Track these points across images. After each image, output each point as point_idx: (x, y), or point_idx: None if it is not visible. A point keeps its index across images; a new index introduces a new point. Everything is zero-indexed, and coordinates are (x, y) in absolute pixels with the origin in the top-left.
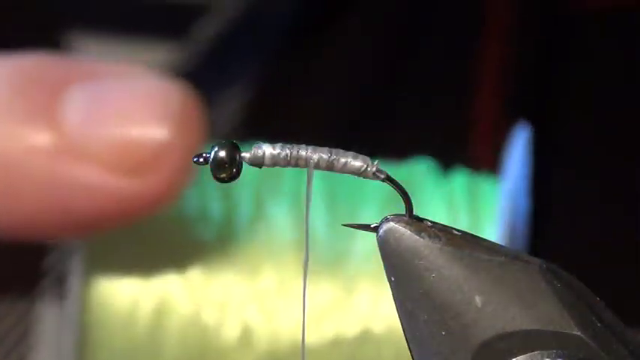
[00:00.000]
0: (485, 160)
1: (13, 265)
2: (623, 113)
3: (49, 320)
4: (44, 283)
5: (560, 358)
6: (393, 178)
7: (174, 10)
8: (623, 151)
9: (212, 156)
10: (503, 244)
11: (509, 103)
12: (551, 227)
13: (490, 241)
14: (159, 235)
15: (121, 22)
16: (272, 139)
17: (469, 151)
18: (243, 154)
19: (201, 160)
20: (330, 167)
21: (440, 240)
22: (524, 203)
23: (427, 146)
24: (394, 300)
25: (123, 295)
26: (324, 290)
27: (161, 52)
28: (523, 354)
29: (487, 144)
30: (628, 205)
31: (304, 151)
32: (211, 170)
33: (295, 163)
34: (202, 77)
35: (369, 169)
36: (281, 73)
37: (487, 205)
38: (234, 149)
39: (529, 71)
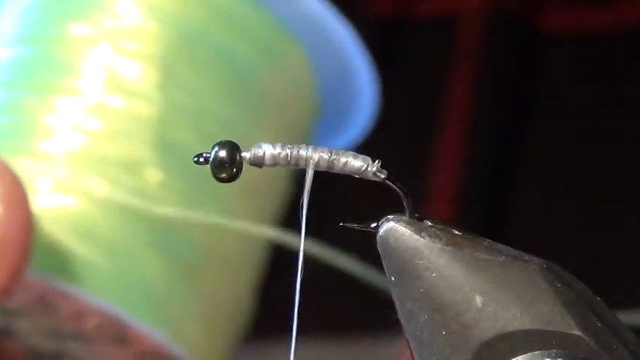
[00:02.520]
0: None
1: None
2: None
3: None
4: None
5: (560, 357)
6: (394, 178)
7: None
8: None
9: (212, 156)
10: None
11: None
12: None
13: (490, 241)
14: None
15: None
16: None
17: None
18: (243, 154)
19: (202, 160)
20: (330, 167)
21: (440, 240)
22: None
23: None
24: (394, 300)
25: None
26: None
27: None
28: (523, 354)
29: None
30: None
31: (304, 151)
32: (211, 170)
33: (295, 162)
34: None
35: (369, 168)
36: None
37: None
38: (234, 149)
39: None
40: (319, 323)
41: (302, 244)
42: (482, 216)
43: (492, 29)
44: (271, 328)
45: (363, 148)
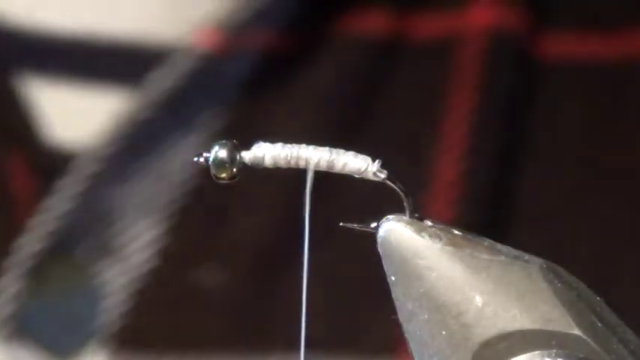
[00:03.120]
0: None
1: None
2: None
3: None
4: None
5: (560, 357)
6: (394, 178)
7: (131, 57)
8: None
9: (212, 156)
10: None
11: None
12: None
13: (490, 241)
14: None
15: (76, 67)
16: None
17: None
18: (243, 154)
19: (202, 160)
20: (330, 167)
21: (440, 240)
22: None
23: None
24: (394, 299)
25: None
26: None
27: (116, 99)
28: (523, 354)
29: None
30: None
31: (305, 151)
32: (211, 170)
33: (296, 163)
34: (157, 126)
35: (369, 168)
36: (238, 124)
37: None
38: (234, 149)
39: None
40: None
41: (306, 243)
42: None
43: (492, 54)
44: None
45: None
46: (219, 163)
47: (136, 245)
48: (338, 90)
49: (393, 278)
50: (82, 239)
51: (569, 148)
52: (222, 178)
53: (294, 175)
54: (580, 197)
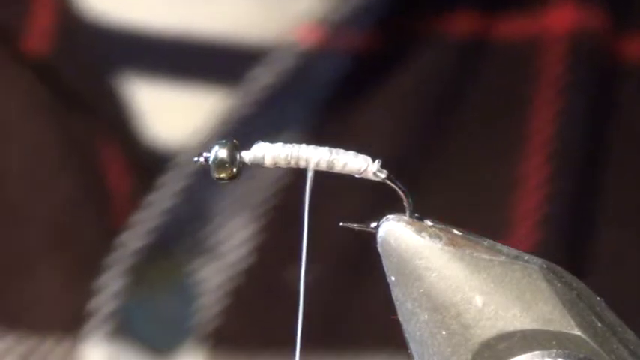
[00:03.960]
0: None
1: (60, 304)
2: None
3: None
4: (90, 323)
5: (560, 357)
6: (394, 178)
7: (229, 55)
8: None
9: (212, 156)
10: None
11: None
12: None
13: (491, 241)
14: None
15: (175, 66)
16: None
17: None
18: (243, 154)
19: (202, 160)
20: (330, 167)
21: (440, 240)
22: None
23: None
24: (394, 299)
25: None
26: None
27: (215, 98)
28: (523, 353)
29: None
30: None
31: (305, 151)
32: (212, 170)
33: (296, 163)
34: (255, 124)
35: (369, 168)
36: (333, 122)
37: None
38: (234, 149)
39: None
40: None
41: (304, 243)
42: (565, 243)
43: (575, 56)
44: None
45: (444, 173)
46: (220, 163)
47: (232, 243)
48: (425, 91)
49: (392, 278)
50: (180, 237)
51: None
52: (222, 178)
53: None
54: None
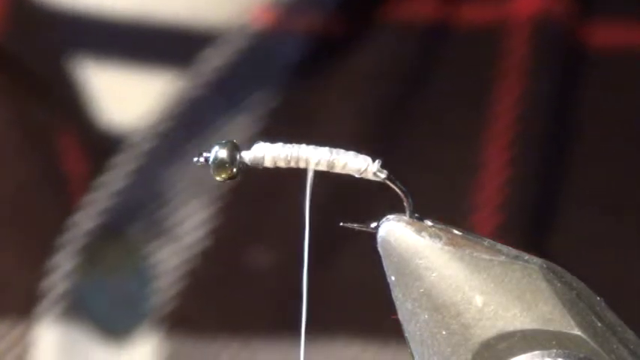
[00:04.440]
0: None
1: (11, 287)
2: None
3: (47, 342)
4: (42, 304)
5: (560, 357)
6: (394, 178)
7: (182, 37)
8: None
9: (212, 156)
10: None
11: (518, 148)
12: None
13: (491, 241)
14: None
15: (127, 49)
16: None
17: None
18: (243, 154)
19: (202, 160)
20: (330, 167)
21: (440, 239)
22: None
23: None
24: (394, 299)
25: None
26: None
27: (166, 80)
28: (523, 353)
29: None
30: None
31: (305, 151)
32: (212, 170)
33: (296, 163)
34: (209, 105)
35: (369, 168)
36: (287, 105)
37: None
38: (234, 149)
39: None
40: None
41: (306, 243)
42: (527, 226)
43: (539, 42)
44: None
45: (406, 157)
46: (220, 163)
47: (188, 225)
48: (386, 74)
49: (392, 278)
50: (134, 219)
51: (616, 135)
52: (222, 178)
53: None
54: (627, 183)
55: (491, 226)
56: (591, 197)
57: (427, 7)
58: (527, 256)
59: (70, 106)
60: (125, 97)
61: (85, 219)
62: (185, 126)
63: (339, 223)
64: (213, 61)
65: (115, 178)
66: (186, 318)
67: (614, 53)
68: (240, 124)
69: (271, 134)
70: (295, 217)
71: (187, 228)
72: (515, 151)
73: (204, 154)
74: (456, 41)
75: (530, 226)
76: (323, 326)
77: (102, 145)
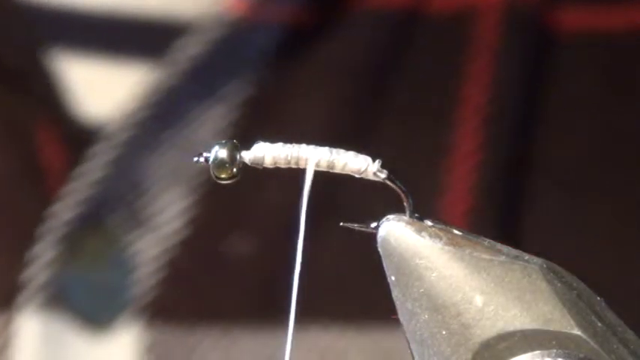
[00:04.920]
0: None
1: None
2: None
3: (28, 332)
4: (23, 295)
5: (560, 357)
6: (394, 178)
7: (157, 28)
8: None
9: (213, 156)
10: None
11: (490, 133)
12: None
13: (491, 241)
14: None
15: (102, 41)
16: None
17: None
18: (243, 154)
19: (202, 159)
20: (330, 167)
21: (440, 239)
22: None
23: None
24: (394, 299)
25: None
26: None
27: (141, 71)
28: (523, 353)
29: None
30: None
31: (305, 151)
32: (212, 170)
33: (296, 162)
34: (184, 95)
35: (369, 168)
36: (261, 94)
37: None
38: (234, 149)
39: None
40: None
41: (300, 243)
42: (497, 209)
43: (508, 26)
44: None
45: (378, 142)
46: (220, 163)
47: (166, 215)
48: (358, 62)
49: (393, 278)
50: (113, 209)
51: (584, 119)
52: (222, 178)
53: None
54: (593, 165)
55: (461, 209)
56: (560, 182)
57: None
58: (527, 256)
59: (47, 99)
60: (101, 89)
61: (64, 209)
62: (161, 116)
63: (340, 223)
64: (187, 51)
65: (93, 169)
66: (166, 307)
67: (582, 38)
68: (216, 113)
69: (245, 123)
70: (273, 206)
71: (166, 217)
72: (485, 134)
73: (205, 154)
74: (427, 28)
75: (501, 210)
76: (299, 313)
77: (80, 137)
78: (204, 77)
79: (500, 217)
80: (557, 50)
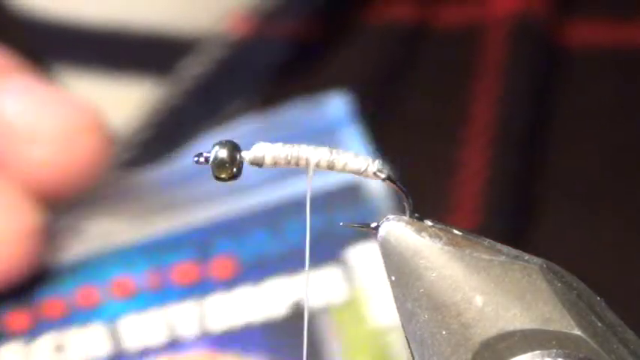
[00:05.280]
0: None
1: None
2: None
3: None
4: None
5: (560, 357)
6: (394, 178)
7: (161, 46)
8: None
9: (213, 155)
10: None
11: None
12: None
13: (491, 241)
14: None
15: (106, 57)
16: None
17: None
18: (243, 154)
19: (202, 159)
20: (330, 167)
21: (440, 239)
22: None
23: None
24: (394, 299)
25: None
26: None
27: (146, 88)
28: (523, 353)
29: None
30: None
31: (305, 151)
32: (212, 170)
33: (296, 162)
34: (187, 114)
35: (369, 168)
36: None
37: None
38: (234, 149)
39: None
40: None
41: (307, 240)
42: (507, 225)
43: (517, 40)
44: None
45: (385, 159)
46: (220, 163)
47: None
48: (364, 78)
49: (393, 278)
50: None
51: (593, 130)
52: (223, 178)
53: None
54: (603, 180)
55: (470, 226)
56: (571, 195)
57: (405, 10)
58: (527, 256)
59: None
60: (104, 106)
61: None
62: (164, 134)
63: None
64: (193, 69)
65: None
66: None
67: (591, 52)
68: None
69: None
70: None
71: None
72: (494, 152)
73: (205, 154)
74: (435, 42)
75: (510, 227)
76: None
77: None
78: (208, 96)
79: (510, 234)
80: (566, 65)
